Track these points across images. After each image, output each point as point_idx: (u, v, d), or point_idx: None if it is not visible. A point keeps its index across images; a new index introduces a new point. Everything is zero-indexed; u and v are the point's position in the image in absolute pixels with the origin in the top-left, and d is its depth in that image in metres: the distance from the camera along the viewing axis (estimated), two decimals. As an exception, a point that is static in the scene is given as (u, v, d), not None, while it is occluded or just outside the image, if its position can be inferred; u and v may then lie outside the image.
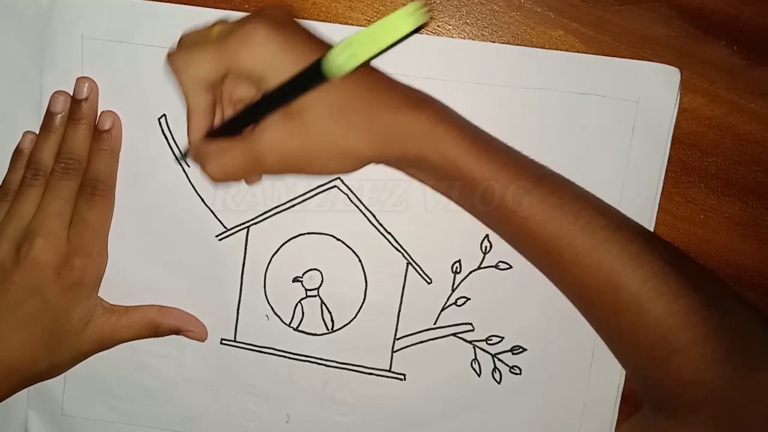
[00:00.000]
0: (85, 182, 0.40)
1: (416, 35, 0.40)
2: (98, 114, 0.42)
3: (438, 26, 0.40)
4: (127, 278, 0.44)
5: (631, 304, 0.34)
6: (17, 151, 0.42)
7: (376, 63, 0.36)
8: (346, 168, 0.36)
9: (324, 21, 0.40)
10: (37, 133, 0.42)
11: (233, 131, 0.36)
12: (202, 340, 0.44)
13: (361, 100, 0.35)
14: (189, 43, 0.36)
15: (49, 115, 0.41)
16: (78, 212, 0.40)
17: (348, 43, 0.29)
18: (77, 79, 0.41)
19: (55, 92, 0.41)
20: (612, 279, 0.35)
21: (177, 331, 0.44)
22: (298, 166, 0.36)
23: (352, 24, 0.40)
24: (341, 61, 0.29)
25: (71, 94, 0.41)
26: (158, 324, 0.43)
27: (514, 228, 0.37)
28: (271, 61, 0.33)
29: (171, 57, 0.35)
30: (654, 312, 0.34)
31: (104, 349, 0.43)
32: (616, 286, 0.35)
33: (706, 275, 0.38)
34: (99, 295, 0.43)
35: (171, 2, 0.41)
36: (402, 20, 0.27)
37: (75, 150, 0.40)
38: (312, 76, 0.32)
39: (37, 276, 0.39)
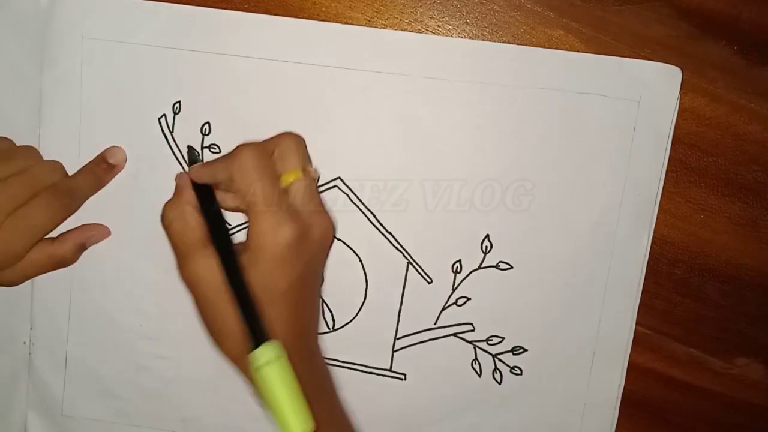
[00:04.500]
0: (55, 187, 0.40)
1: (416, 35, 0.40)
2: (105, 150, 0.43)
3: (438, 26, 0.40)
4: (127, 278, 0.44)
5: None
6: None
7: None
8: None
9: (324, 20, 0.40)
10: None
11: (205, 212, 0.37)
12: (107, 236, 0.43)
13: None
14: (260, 163, 0.36)
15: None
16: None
17: (266, 378, 0.33)
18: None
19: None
20: None
21: (82, 248, 0.43)
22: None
23: (352, 23, 0.40)
24: (256, 366, 0.34)
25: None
26: (59, 255, 0.42)
27: None
28: (263, 256, 0.35)
29: (237, 156, 0.35)
30: None
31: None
32: None
33: None
34: (101, 295, 0.43)
35: (171, 2, 0.41)
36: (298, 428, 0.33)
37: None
38: (252, 330, 0.34)
39: None
